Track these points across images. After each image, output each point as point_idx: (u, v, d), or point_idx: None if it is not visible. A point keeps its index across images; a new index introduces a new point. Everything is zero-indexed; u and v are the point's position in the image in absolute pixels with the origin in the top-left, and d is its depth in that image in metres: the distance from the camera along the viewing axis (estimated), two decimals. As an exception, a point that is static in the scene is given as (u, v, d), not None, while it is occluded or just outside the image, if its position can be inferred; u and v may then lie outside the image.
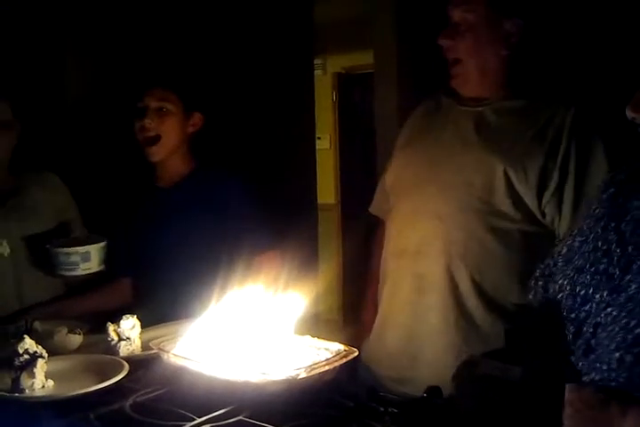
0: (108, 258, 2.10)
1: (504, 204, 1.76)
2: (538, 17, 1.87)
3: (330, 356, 1.40)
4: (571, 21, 2.31)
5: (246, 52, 3.16)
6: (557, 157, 1.74)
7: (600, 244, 1.22)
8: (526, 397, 1.04)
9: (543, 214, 1.77)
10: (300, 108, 3.53)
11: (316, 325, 2.10)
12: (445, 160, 1.84)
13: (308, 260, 2.66)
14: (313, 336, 1.50)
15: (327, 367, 1.35)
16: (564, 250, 1.31)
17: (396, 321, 1.88)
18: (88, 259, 2.03)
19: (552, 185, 1.74)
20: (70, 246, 2.03)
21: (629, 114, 1.15)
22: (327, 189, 5.00)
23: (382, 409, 1.29)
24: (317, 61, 4.82)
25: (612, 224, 1.22)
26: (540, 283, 1.35)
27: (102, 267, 2.08)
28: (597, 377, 1.09)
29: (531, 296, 1.37)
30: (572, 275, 1.25)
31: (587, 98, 1.89)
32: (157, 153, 2.19)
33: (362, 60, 4.45)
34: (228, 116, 2.92)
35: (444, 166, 1.83)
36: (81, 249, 2.02)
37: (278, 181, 3.09)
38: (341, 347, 1.43)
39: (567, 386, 0.97)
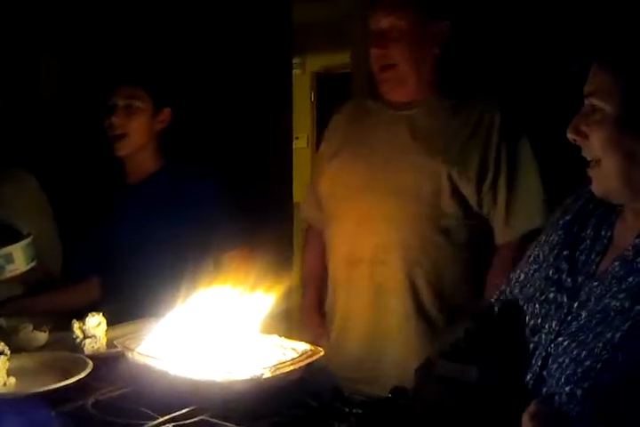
0: (41, 253, 2.01)
1: (450, 204, 1.83)
2: (465, 18, 1.98)
3: (295, 356, 1.40)
4: (492, 22, 2.40)
5: (224, 49, 3.15)
6: (491, 153, 1.84)
7: (551, 272, 1.22)
8: (483, 398, 1.04)
9: (480, 206, 1.85)
10: (277, 106, 3.51)
11: (289, 322, 2.09)
12: (387, 166, 1.88)
13: (284, 258, 2.64)
14: (280, 335, 1.49)
15: (292, 367, 1.35)
16: (521, 277, 1.31)
17: (356, 326, 1.91)
18: (11, 260, 1.92)
19: (488, 180, 1.84)
20: None
21: (570, 136, 1.17)
22: (304, 188, 4.98)
23: (347, 410, 1.28)
24: (296, 60, 4.81)
25: (566, 252, 1.22)
26: (496, 308, 1.34)
27: (32, 264, 1.97)
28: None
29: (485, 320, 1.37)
30: (522, 304, 1.25)
31: (511, 95, 2.01)
32: (123, 148, 2.18)
33: (341, 59, 4.44)
34: (202, 113, 2.90)
35: (387, 172, 1.87)
36: (1, 252, 1.90)
37: (255, 179, 3.07)
38: (307, 347, 1.43)
39: (534, 402, 0.97)
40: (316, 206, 2.08)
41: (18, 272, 1.95)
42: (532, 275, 1.28)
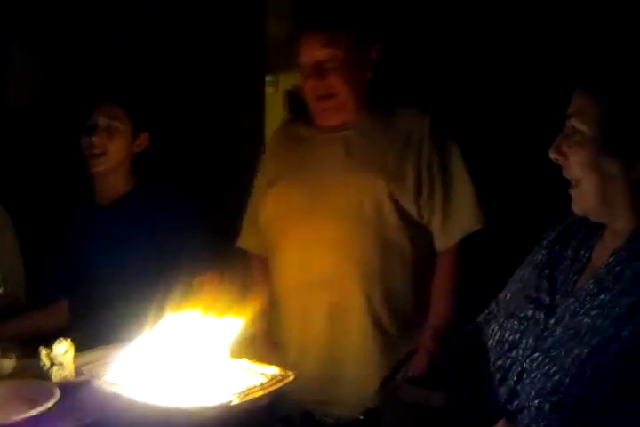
0: (6, 277, 2.01)
1: (392, 217, 1.91)
2: (394, 41, 2.08)
3: (265, 380, 1.38)
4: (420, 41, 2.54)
5: (197, 67, 3.15)
6: (424, 165, 1.92)
7: (532, 291, 1.25)
8: (448, 424, 1.05)
9: (421, 217, 1.94)
10: (250, 124, 3.51)
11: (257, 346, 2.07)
12: (327, 188, 1.93)
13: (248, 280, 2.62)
14: (250, 359, 1.48)
15: (262, 392, 1.33)
16: (508, 296, 1.34)
17: (313, 349, 1.94)
18: None
19: (425, 190, 1.92)
20: None
21: (551, 156, 1.19)
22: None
23: (316, 434, 1.28)
24: (269, 78, 4.81)
25: (547, 272, 1.25)
26: (482, 330, 1.35)
27: (3, 288, 1.98)
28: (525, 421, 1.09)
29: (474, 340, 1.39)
30: (502, 321, 1.27)
31: (438, 106, 2.09)
32: (99, 165, 2.17)
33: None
34: (174, 133, 2.89)
35: (328, 194, 1.92)
36: None
37: (226, 199, 3.06)
38: (277, 371, 1.42)
39: (501, 421, 0.98)
40: (256, 235, 2.11)
41: None
42: (516, 293, 1.30)
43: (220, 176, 3.12)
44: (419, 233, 1.95)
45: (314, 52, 1.91)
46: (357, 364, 1.89)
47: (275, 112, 5.50)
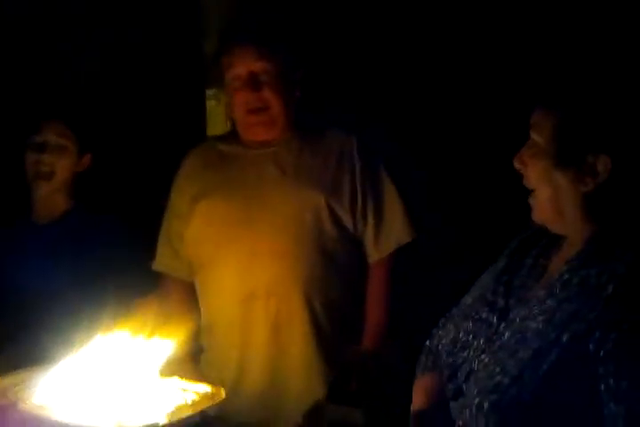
0: None
1: (331, 230, 1.96)
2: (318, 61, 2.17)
3: (196, 398, 1.36)
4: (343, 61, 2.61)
5: (137, 82, 3.12)
6: (357, 181, 1.99)
7: (489, 295, 1.27)
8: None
9: (356, 230, 2.00)
10: (191, 137, 3.49)
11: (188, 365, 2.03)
12: (263, 202, 1.95)
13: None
14: (181, 377, 1.46)
15: (191, 411, 1.31)
16: (469, 301, 1.36)
17: (255, 365, 1.94)
18: None
19: (359, 204, 1.99)
20: None
21: (515, 165, 1.23)
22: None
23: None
24: (210, 92, 4.79)
25: (505, 277, 1.29)
26: (440, 332, 1.38)
27: None
28: (461, 423, 1.11)
29: (430, 342, 1.42)
30: (457, 321, 1.29)
31: (363, 126, 2.19)
32: (47, 188, 2.16)
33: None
34: (115, 151, 2.85)
35: (265, 208, 1.94)
36: None
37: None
38: (208, 389, 1.40)
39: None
40: (174, 256, 2.08)
41: None
42: (476, 297, 1.34)
43: (158, 190, 3.08)
44: (355, 245, 2.01)
45: (248, 63, 1.92)
46: (302, 375, 1.91)
47: (217, 125, 5.50)
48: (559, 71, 1.28)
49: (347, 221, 1.98)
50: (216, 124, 5.15)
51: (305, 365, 1.92)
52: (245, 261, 1.93)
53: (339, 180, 1.99)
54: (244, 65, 1.92)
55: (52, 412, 1.32)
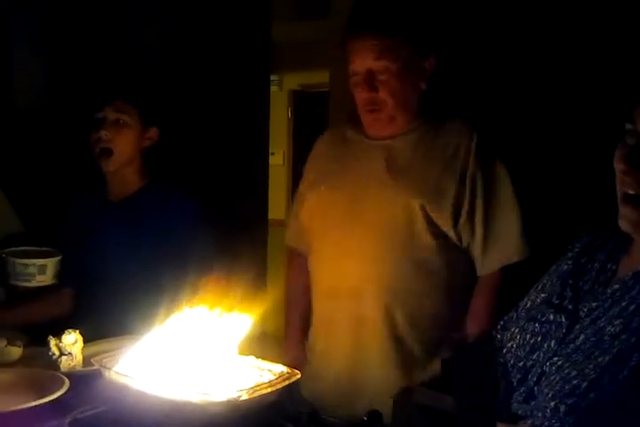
0: (60, 273, 2.09)
1: (425, 236, 1.82)
2: (448, 53, 1.94)
3: (272, 378, 1.40)
4: (473, 54, 2.41)
5: (202, 66, 3.17)
6: (467, 185, 1.82)
7: (555, 298, 1.27)
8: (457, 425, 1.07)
9: (460, 240, 1.85)
10: (254, 123, 3.53)
11: (264, 343, 2.10)
12: (364, 198, 1.87)
13: (257, 276, 2.67)
14: (257, 357, 1.51)
15: (269, 389, 1.35)
16: (528, 304, 1.36)
17: (335, 358, 1.92)
18: (44, 272, 2.04)
19: (464, 212, 1.82)
20: (28, 257, 2.02)
21: (621, 167, 1.17)
22: (279, 205, 5.04)
23: (322, 432, 1.30)
24: (274, 78, 4.85)
25: (571, 281, 1.28)
26: (499, 335, 1.38)
27: (55, 281, 2.08)
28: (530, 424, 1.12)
29: (493, 344, 1.40)
30: (522, 324, 1.29)
31: (487, 124, 1.97)
32: (110, 165, 2.18)
33: (319, 78, 4.50)
34: (182, 130, 2.91)
35: (365, 205, 1.87)
36: (39, 261, 2.03)
37: (230, 195, 3.08)
38: (284, 369, 1.44)
39: (500, 425, 1.00)
40: (299, 234, 2.08)
41: (44, 284, 2.06)
42: (538, 301, 1.33)
43: (223, 172, 3.14)
44: (457, 256, 1.86)
45: (367, 61, 1.80)
46: (375, 379, 1.86)
47: (279, 110, 5.57)
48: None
49: (447, 228, 1.82)
50: (278, 110, 5.21)
51: (379, 373, 1.85)
52: (336, 256, 1.90)
53: (444, 182, 1.82)
54: (362, 62, 1.81)
55: (135, 381, 1.38)
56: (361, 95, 1.86)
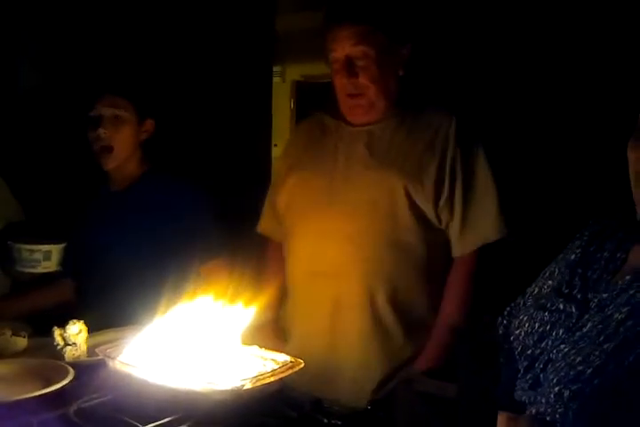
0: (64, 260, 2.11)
1: (407, 218, 1.86)
2: (424, 38, 2.01)
3: (276, 367, 1.41)
4: (449, 41, 2.48)
5: (203, 57, 3.17)
6: (446, 167, 1.86)
7: (564, 287, 1.27)
8: (460, 414, 1.08)
9: (439, 220, 1.88)
10: (257, 114, 3.54)
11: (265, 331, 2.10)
12: (346, 182, 1.90)
13: (260, 266, 2.67)
14: (260, 346, 1.51)
15: (272, 379, 1.36)
16: (536, 291, 1.36)
17: (315, 340, 1.93)
18: (49, 258, 2.06)
19: (445, 194, 1.86)
20: (33, 244, 2.04)
21: (635, 155, 1.17)
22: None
23: (326, 421, 1.31)
24: (276, 69, 4.84)
25: (580, 270, 1.28)
26: (505, 322, 1.39)
27: (59, 267, 2.10)
28: (534, 411, 1.13)
29: (499, 331, 1.41)
30: (532, 312, 1.30)
31: (465, 108, 2.02)
32: (110, 163, 2.19)
33: (320, 69, 4.49)
34: (184, 120, 2.91)
35: (346, 188, 1.90)
36: (44, 247, 2.05)
37: (233, 185, 3.09)
38: (287, 358, 1.45)
39: (502, 414, 1.00)
40: (274, 220, 2.10)
41: (48, 270, 2.09)
42: (546, 289, 1.33)
43: (228, 162, 3.15)
44: (436, 238, 1.90)
45: (345, 47, 1.85)
46: (355, 361, 1.88)
47: (282, 101, 5.56)
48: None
49: (427, 210, 1.86)
50: (280, 101, 5.20)
51: (359, 354, 1.88)
52: (316, 239, 1.93)
53: (425, 164, 1.86)
54: (341, 49, 1.86)
55: (139, 370, 1.39)
56: (341, 81, 1.90)
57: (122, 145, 2.17)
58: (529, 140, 2.45)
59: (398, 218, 1.86)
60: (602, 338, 1.12)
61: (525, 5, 2.42)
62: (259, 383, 1.33)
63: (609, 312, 1.16)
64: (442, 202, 1.87)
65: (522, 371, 1.23)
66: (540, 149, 2.43)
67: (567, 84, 2.36)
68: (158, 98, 2.39)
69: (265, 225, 2.17)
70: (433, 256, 1.90)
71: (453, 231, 1.88)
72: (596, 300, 1.21)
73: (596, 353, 1.10)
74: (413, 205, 1.86)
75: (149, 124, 2.24)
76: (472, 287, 1.87)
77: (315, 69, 5.08)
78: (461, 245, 1.89)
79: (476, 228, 1.87)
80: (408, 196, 1.85)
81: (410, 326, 1.89)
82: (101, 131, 2.14)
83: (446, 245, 1.91)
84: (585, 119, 2.32)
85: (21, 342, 1.72)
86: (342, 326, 1.89)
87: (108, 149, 2.16)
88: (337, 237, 1.89)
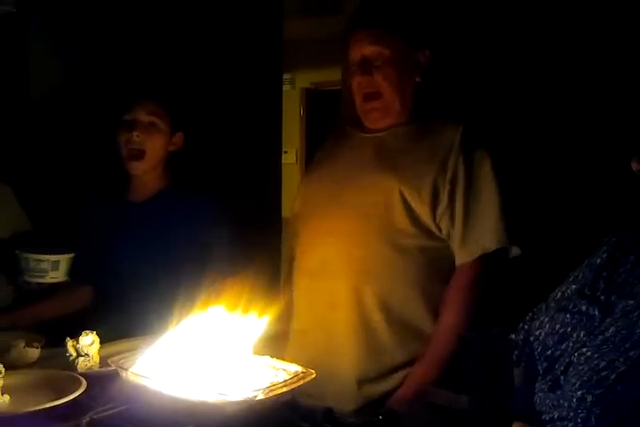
0: (73, 270, 2.11)
1: (402, 221, 1.86)
2: (442, 47, 2.03)
3: (287, 377, 1.41)
4: (467, 49, 2.46)
5: (213, 65, 3.18)
6: (446, 175, 1.86)
7: (587, 289, 1.27)
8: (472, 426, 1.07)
9: (439, 229, 1.87)
10: (267, 122, 3.55)
11: (279, 343, 2.10)
12: (349, 183, 1.94)
13: (272, 275, 2.68)
14: (272, 357, 1.51)
15: (284, 389, 1.36)
16: (559, 295, 1.36)
17: (312, 337, 1.95)
18: (57, 268, 2.06)
19: (444, 200, 1.85)
20: (41, 253, 2.04)
21: (635, 166, 1.19)
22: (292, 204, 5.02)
23: (337, 431, 1.31)
24: (286, 76, 4.86)
25: (605, 274, 1.28)
26: (527, 327, 1.38)
27: (67, 278, 2.10)
28: (557, 415, 1.12)
29: (516, 336, 1.40)
30: (552, 313, 1.30)
31: (475, 116, 2.04)
32: (140, 168, 2.18)
33: (330, 76, 4.50)
34: (196, 130, 2.92)
35: (349, 189, 1.93)
36: (53, 257, 2.05)
37: (244, 194, 3.10)
38: (299, 368, 1.45)
39: (517, 424, 1.00)
40: (294, 233, 2.12)
41: (56, 280, 2.08)
42: (569, 292, 1.34)
43: (239, 171, 3.16)
44: (435, 245, 1.88)
45: (362, 48, 1.91)
46: (345, 359, 1.88)
47: (292, 109, 5.58)
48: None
49: (424, 216, 1.85)
50: (290, 108, 5.21)
51: (347, 350, 1.88)
52: (314, 238, 1.96)
53: (423, 170, 1.86)
54: (357, 50, 1.92)
55: (152, 381, 1.39)
56: (357, 79, 1.94)
57: (153, 152, 2.17)
58: (543, 151, 2.42)
59: (394, 221, 1.87)
60: (628, 345, 1.12)
61: (540, 16, 2.42)
62: (271, 394, 1.33)
63: (634, 318, 1.15)
64: (440, 210, 1.86)
65: (541, 372, 1.22)
66: (555, 160, 2.40)
67: (584, 95, 2.34)
68: (190, 110, 2.39)
69: (290, 241, 2.19)
70: (429, 261, 1.88)
71: (454, 240, 1.87)
72: (620, 305, 1.20)
73: (621, 360, 1.10)
74: (409, 210, 1.86)
75: (179, 137, 2.24)
76: (473, 297, 1.84)
77: (325, 77, 5.11)
78: (461, 254, 1.87)
79: (475, 237, 1.86)
80: (404, 200, 1.86)
81: (400, 329, 1.87)
82: (135, 134, 2.13)
83: (445, 251, 1.90)
84: (600, 133, 2.29)
85: (34, 352, 1.73)
86: (334, 321, 1.90)
87: (140, 153, 2.15)
88: (332, 236, 1.91)
